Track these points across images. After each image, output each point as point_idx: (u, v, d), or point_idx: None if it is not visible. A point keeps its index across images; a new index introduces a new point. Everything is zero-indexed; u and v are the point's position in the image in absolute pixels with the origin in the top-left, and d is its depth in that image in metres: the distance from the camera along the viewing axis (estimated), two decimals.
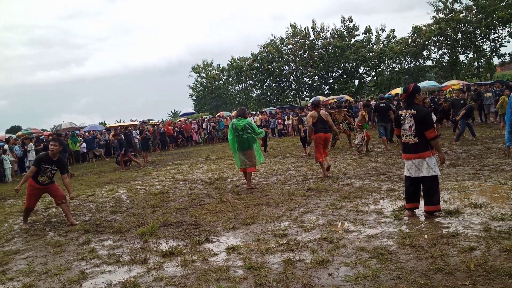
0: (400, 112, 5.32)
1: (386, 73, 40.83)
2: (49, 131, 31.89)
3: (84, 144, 21.21)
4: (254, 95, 49.87)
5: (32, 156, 16.73)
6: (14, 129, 51.33)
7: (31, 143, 17.43)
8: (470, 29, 34.89)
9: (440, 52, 37.55)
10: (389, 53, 38.36)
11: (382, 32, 40.40)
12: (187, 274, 4.13)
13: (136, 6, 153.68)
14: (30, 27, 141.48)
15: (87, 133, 23.35)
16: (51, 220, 7.59)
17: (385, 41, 40.36)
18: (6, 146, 16.63)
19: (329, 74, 43.30)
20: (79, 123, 32.68)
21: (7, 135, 26.11)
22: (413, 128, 5.09)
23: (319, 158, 8.90)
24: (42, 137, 22.61)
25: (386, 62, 40.19)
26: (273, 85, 45.32)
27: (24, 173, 17.00)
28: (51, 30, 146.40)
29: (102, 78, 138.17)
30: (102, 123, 40.37)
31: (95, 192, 10.28)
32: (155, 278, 4.10)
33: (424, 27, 36.21)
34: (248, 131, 8.37)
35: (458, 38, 36.01)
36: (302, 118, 14.22)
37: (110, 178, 13.21)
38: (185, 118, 32.01)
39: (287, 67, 44.23)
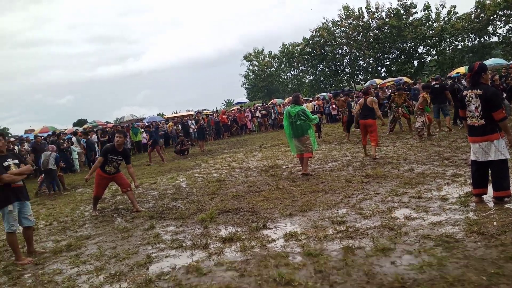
0: (465, 93, 5.00)
1: (448, 51, 38.51)
2: (112, 123, 33.64)
3: (144, 135, 22.10)
4: (306, 81, 49.21)
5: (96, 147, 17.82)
6: (80, 122, 54.74)
7: (94, 135, 18.51)
8: None
9: (507, 27, 34.73)
10: (451, 30, 36.07)
11: (442, 9, 38.02)
12: (246, 259, 4.22)
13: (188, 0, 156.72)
14: (91, 24, 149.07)
15: (149, 124, 24.26)
16: (118, 207, 8.06)
17: (446, 18, 37.98)
18: (74, 139, 17.79)
19: (386, 55, 41.59)
20: (139, 114, 34.20)
21: (74, 128, 27.92)
22: (479, 109, 4.78)
23: (362, 142, 10.08)
24: (104, 129, 23.83)
25: (448, 40, 37.85)
26: (326, 69, 44.38)
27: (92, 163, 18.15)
28: (110, 27, 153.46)
29: (158, 71, 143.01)
30: (160, 114, 41.89)
31: (156, 180, 10.75)
32: (216, 263, 4.23)
33: (488, 1, 33.61)
34: (302, 117, 8.33)
35: None
36: (350, 103, 14.83)
37: (170, 167, 13.73)
38: (239, 107, 32.37)
39: (340, 51, 43.09)
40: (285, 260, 4.04)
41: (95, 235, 6.15)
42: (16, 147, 15.87)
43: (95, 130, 21.03)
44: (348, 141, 13.50)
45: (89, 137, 18.16)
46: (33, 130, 27.81)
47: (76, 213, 8.06)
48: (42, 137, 18.17)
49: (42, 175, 11.34)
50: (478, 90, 4.82)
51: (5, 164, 5.26)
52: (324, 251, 4.13)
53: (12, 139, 19.02)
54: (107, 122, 36.03)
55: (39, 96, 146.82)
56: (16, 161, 5.42)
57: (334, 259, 3.90)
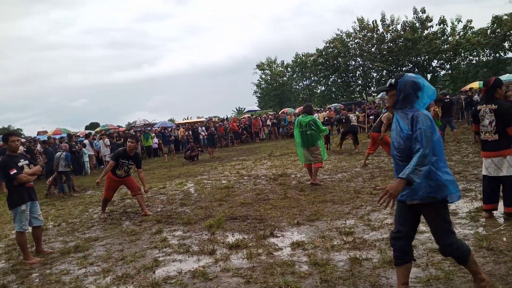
0: (479, 107, 4.97)
1: (462, 66, 38.22)
2: (124, 127, 33.96)
3: (155, 140, 22.28)
4: (318, 91, 49.19)
5: (104, 151, 18.00)
6: (92, 126, 55.31)
7: (107, 139, 18.70)
8: None
9: None
10: (466, 45, 35.79)
11: (458, 23, 37.82)
12: (253, 266, 4.22)
13: (204, 7, 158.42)
14: (108, 30, 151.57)
15: (162, 129, 24.47)
16: (126, 210, 8.12)
17: (462, 32, 37.76)
18: (86, 141, 17.99)
19: (399, 68, 41.41)
20: (151, 120, 34.48)
21: (87, 131, 28.25)
22: (493, 124, 4.74)
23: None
24: (112, 132, 23.98)
25: (463, 54, 37.58)
26: (339, 80, 44.30)
27: (103, 166, 18.32)
28: (127, 32, 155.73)
29: (171, 77, 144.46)
30: (171, 120, 42.19)
31: (165, 185, 10.80)
32: (223, 269, 4.23)
33: (505, 17, 33.36)
34: (313, 127, 8.33)
35: None
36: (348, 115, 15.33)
37: (179, 172, 13.80)
38: (250, 115, 32.45)
39: (353, 62, 43.05)
40: (291, 268, 4.03)
41: (103, 237, 6.19)
42: (22, 147, 16.03)
43: (107, 133, 21.26)
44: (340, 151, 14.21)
45: (95, 141, 18.38)
46: (45, 132, 28.23)
47: (85, 215, 8.14)
48: (55, 139, 18.41)
49: (51, 178, 11.47)
50: (493, 105, 4.78)
51: (19, 164, 5.36)
52: (330, 261, 4.12)
53: (23, 140, 19.26)
54: (119, 126, 36.40)
55: (54, 99, 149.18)
56: (27, 162, 5.53)
57: (340, 270, 3.89)
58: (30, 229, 5.60)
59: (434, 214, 2.99)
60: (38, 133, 29.94)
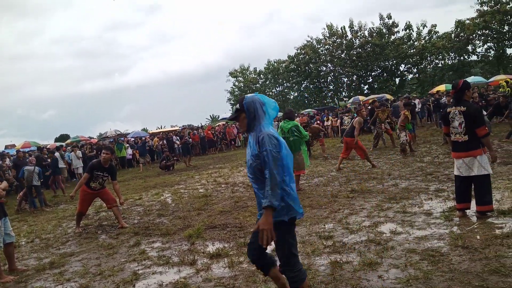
0: (448, 110, 5.14)
1: (428, 70, 39.52)
2: (95, 139, 33.26)
3: (130, 151, 21.93)
4: (291, 97, 49.72)
5: (76, 163, 17.58)
6: (62, 137, 53.90)
7: (78, 151, 18.26)
8: None
9: (485, 46, 35.92)
10: (432, 49, 37.07)
11: (423, 28, 39.17)
12: (235, 275, 4.20)
13: (175, 16, 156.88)
14: (76, 39, 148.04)
15: (138, 140, 24.08)
16: (102, 223, 7.93)
17: (427, 37, 39.08)
18: (57, 154, 17.49)
19: (368, 73, 42.45)
20: (123, 130, 33.93)
21: (57, 143, 27.49)
22: (463, 125, 4.92)
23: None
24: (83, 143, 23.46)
25: (429, 58, 38.88)
26: (311, 86, 45.00)
27: (75, 179, 17.85)
28: (96, 41, 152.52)
29: (143, 86, 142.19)
30: (144, 130, 41.61)
31: (141, 196, 10.63)
32: (204, 279, 4.20)
33: (468, 21, 34.76)
34: (295, 133, 8.24)
35: (504, 31, 34.29)
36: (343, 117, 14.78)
37: (155, 182, 13.61)
38: (224, 123, 32.40)
39: (324, 68, 43.79)
40: None
41: (79, 252, 6.03)
42: None
43: (79, 145, 20.76)
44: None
45: (66, 153, 17.91)
46: (14, 146, 27.31)
47: (58, 229, 7.90)
48: (25, 152, 17.82)
49: (21, 193, 11.10)
50: (462, 107, 4.96)
51: None
52: (312, 266, 4.15)
53: None
54: (90, 138, 35.63)
55: (21, 111, 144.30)
56: None
57: (322, 274, 3.92)
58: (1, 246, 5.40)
59: (280, 235, 2.88)
60: (6, 147, 28.92)
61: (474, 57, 37.12)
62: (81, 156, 18.04)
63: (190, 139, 22.01)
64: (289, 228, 2.95)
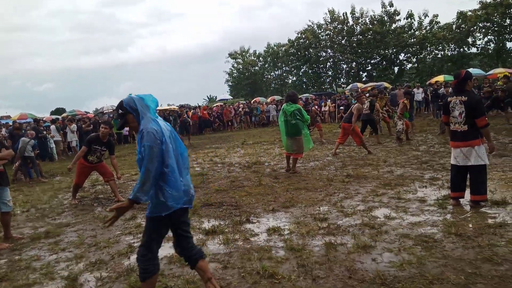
0: (449, 99, 5.15)
1: (428, 60, 39.39)
2: (91, 114, 33.02)
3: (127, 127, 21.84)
4: (289, 81, 49.51)
5: (70, 137, 17.51)
6: (58, 111, 53.37)
7: (73, 125, 18.16)
8: None
9: (486, 39, 35.76)
10: (432, 39, 36.87)
11: (424, 18, 38.87)
12: (230, 252, 4.25)
13: None
14: (75, 12, 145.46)
15: None
16: (98, 196, 7.95)
17: (428, 27, 38.82)
18: (52, 126, 17.39)
19: (368, 60, 42.24)
20: None
21: (53, 116, 27.30)
22: (463, 115, 4.93)
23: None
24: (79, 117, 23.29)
25: (429, 48, 38.71)
26: (309, 71, 44.76)
27: (71, 153, 17.80)
28: (95, 16, 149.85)
29: (141, 64, 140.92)
30: None
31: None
32: None
33: (470, 13, 34.50)
34: (297, 117, 8.20)
35: (506, 24, 34.09)
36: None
37: None
38: (222, 104, 32.28)
39: (324, 53, 43.51)
40: (268, 253, 4.09)
41: (74, 223, 6.05)
42: None
43: (75, 119, 20.64)
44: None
45: (51, 126, 17.81)
46: (9, 117, 27.07)
47: (54, 200, 7.91)
48: (21, 124, 17.69)
49: (17, 163, 11.06)
50: (463, 96, 4.97)
51: None
52: (306, 246, 4.20)
53: None
54: (87, 112, 35.35)
55: (18, 82, 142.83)
56: None
57: (316, 254, 3.97)
58: None
59: (148, 227, 3.05)
60: (1, 118, 28.67)
61: (473, 50, 37.00)
62: (75, 129, 17.94)
63: (189, 118, 21.92)
64: (156, 225, 3.01)
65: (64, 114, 28.40)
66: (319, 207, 5.65)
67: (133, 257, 4.35)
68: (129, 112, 2.99)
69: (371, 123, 12.71)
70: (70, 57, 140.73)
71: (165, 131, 2.96)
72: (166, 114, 24.10)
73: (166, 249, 4.51)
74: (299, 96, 32.12)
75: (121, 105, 3.04)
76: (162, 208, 2.91)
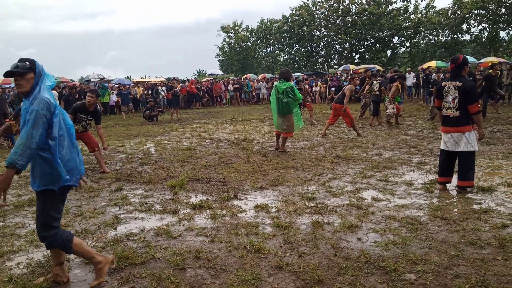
0: (443, 84, 5.13)
1: (421, 44, 39.31)
2: (76, 82, 32.38)
3: (114, 97, 21.50)
4: (281, 59, 49.02)
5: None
6: None
7: (54, 91, 17.80)
8: None
9: (480, 27, 35.74)
10: (427, 23, 36.71)
11: (421, 1, 38.60)
12: (217, 227, 4.24)
13: None
14: None
15: (122, 87, 23.52)
16: None
17: (424, 11, 38.60)
18: None
19: (361, 42, 41.96)
20: (106, 76, 32.96)
21: None
22: (456, 100, 4.93)
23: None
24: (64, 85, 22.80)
25: (423, 33, 38.58)
26: (302, 50, 44.32)
27: None
28: None
29: (129, 33, 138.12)
30: (128, 78, 40.61)
31: (124, 144, 10.51)
32: (186, 228, 4.23)
33: None
34: (289, 95, 8.10)
35: (501, 13, 34.07)
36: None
37: (138, 131, 13.45)
38: (212, 78, 31.90)
39: (318, 32, 43.04)
40: (256, 229, 4.10)
41: None
42: None
43: (60, 86, 20.21)
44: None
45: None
46: None
47: None
48: (4, 88, 17.27)
49: (0, 129, 10.81)
50: (458, 82, 4.95)
51: None
52: (293, 224, 4.22)
53: None
54: (72, 80, 34.64)
55: (1, 46, 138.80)
56: None
57: (303, 232, 3.99)
58: None
59: (41, 203, 2.92)
60: None
61: (467, 37, 37.00)
62: (57, 96, 17.61)
63: (179, 92, 21.64)
64: (53, 197, 2.90)
65: None
66: (307, 187, 5.66)
67: (120, 228, 4.33)
68: (33, 71, 2.88)
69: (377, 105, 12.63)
70: (55, 21, 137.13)
71: (58, 106, 2.88)
72: (155, 86, 23.76)
73: (153, 221, 4.50)
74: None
75: (33, 61, 2.93)
76: (54, 180, 2.83)
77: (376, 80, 12.92)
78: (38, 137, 2.68)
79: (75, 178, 3.00)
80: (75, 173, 3.00)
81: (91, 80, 26.98)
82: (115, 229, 4.32)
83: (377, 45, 41.18)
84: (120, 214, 4.82)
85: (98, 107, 8.17)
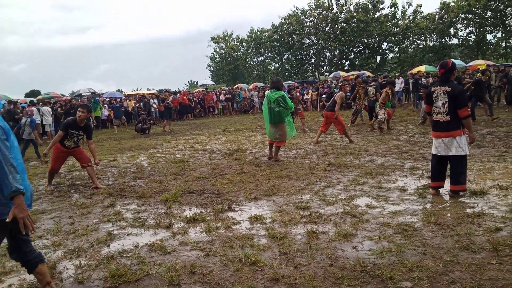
0: (433, 89, 5.18)
1: (410, 49, 39.75)
2: (67, 96, 32.26)
3: (105, 111, 21.42)
4: (272, 68, 49.26)
5: (46, 120, 17.10)
6: (33, 93, 51.96)
7: (47, 107, 17.69)
8: (501, 7, 33.45)
9: (467, 31, 36.28)
10: (415, 29, 37.18)
11: (408, 7, 39.11)
12: (211, 240, 4.21)
13: None
14: None
15: (113, 100, 23.48)
16: (75, 182, 7.77)
17: (411, 16, 39.10)
18: (33, 108, 16.90)
19: (351, 49, 42.33)
20: (97, 89, 32.88)
21: (28, 99, 26.54)
22: (446, 105, 4.97)
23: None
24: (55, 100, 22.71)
25: (411, 38, 39.04)
26: (292, 58, 44.61)
27: (45, 136, 17.35)
28: None
29: (120, 46, 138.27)
30: (119, 91, 40.55)
31: (116, 158, 10.45)
32: (181, 242, 4.19)
33: (452, 3, 34.86)
34: (281, 104, 8.11)
35: (487, 16, 34.63)
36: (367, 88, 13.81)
37: (130, 145, 13.39)
38: (204, 89, 31.93)
39: (307, 40, 43.37)
40: (251, 241, 4.07)
41: (51, 210, 5.91)
42: None
43: (51, 101, 20.11)
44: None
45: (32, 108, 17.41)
46: None
47: None
48: None
49: None
50: (447, 87, 5.00)
51: None
52: (288, 235, 4.20)
53: None
54: (63, 95, 34.51)
55: None
56: None
57: (298, 242, 3.98)
58: None
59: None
60: None
61: (455, 41, 37.50)
62: (50, 112, 17.52)
63: (172, 104, 21.63)
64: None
65: (40, 97, 27.63)
66: (301, 196, 5.66)
67: (113, 245, 4.28)
68: None
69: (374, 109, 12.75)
70: (45, 36, 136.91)
71: (8, 130, 2.78)
72: (146, 99, 23.75)
73: (147, 237, 4.46)
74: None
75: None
76: (3, 209, 2.72)
77: (371, 86, 13.12)
78: (4, 148, 2.60)
79: (29, 202, 2.91)
80: (28, 197, 2.88)
81: (82, 95, 26.89)
82: (108, 246, 4.28)
83: (366, 51, 41.57)
84: (113, 230, 4.77)
85: (91, 121, 8.12)
